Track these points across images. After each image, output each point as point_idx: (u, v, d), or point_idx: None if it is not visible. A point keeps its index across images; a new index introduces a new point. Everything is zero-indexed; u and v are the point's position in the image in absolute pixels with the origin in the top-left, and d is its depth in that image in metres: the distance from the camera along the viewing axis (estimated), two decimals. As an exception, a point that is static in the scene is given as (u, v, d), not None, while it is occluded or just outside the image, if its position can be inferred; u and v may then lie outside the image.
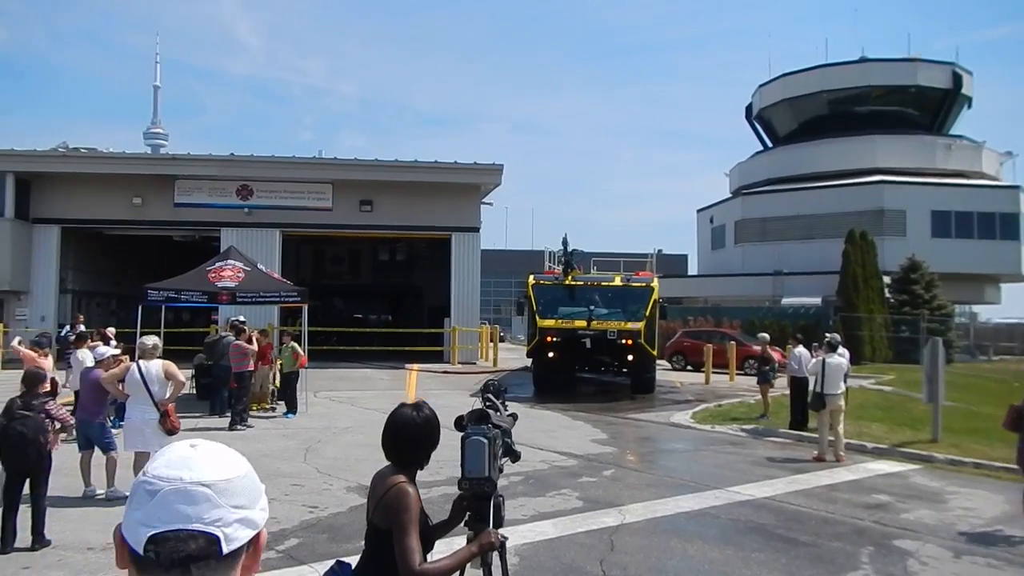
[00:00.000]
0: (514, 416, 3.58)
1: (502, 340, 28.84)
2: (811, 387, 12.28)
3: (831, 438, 11.94)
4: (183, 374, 9.15)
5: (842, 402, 12.08)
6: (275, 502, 8.63)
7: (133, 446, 8.45)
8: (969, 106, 44.42)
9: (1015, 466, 11.31)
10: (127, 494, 1.22)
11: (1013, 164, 43.75)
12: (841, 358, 12.32)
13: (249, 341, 14.94)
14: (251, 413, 15.84)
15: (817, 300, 35.24)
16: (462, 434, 3.31)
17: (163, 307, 16.00)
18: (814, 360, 12.70)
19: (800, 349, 14.51)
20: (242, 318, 16.35)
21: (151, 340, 8.95)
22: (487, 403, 3.54)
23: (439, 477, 10.20)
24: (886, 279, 34.59)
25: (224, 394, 15.18)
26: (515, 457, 3.48)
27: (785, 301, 36.92)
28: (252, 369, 14.71)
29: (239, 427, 13.87)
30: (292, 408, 15.52)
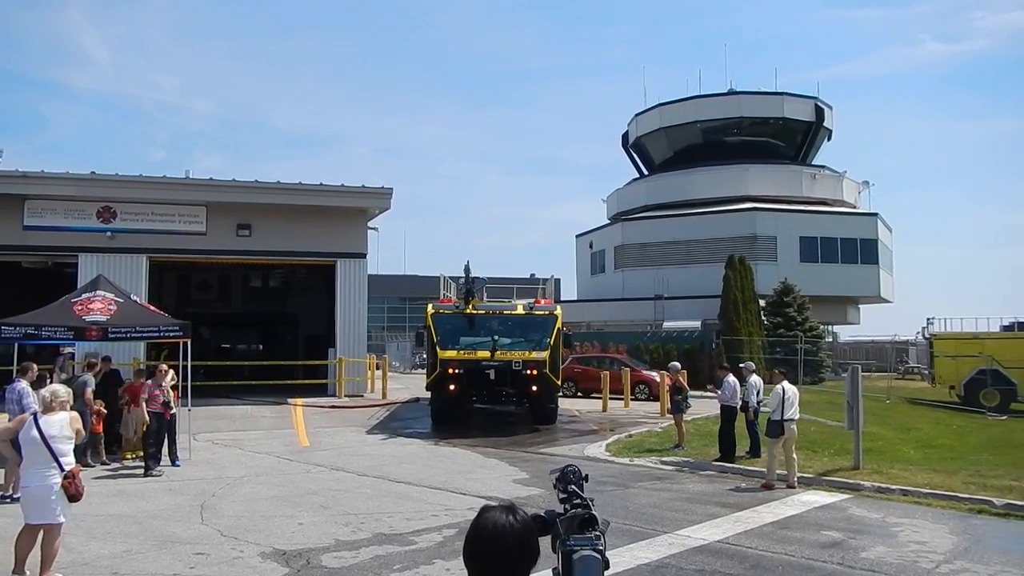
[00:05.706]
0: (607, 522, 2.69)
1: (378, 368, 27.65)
2: (775, 415, 11.99)
3: (782, 465, 11.71)
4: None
5: (795, 427, 11.90)
6: (181, 580, 7.33)
7: (39, 518, 6.94)
8: (830, 138, 47.12)
9: (938, 491, 11.53)
10: None
11: (869, 193, 46.70)
12: (793, 385, 12.16)
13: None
14: (125, 463, 14.20)
15: (697, 324, 35.97)
16: (564, 547, 2.46)
17: (16, 345, 13.96)
18: (775, 388, 12.45)
19: (731, 378, 14.20)
20: (68, 351, 14.80)
21: (62, 390, 7.51)
22: (573, 498, 2.67)
23: (363, 535, 9.14)
24: (761, 302, 35.81)
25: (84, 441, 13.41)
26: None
27: (667, 325, 37.48)
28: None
29: (153, 472, 12.90)
30: (174, 456, 13.91)
